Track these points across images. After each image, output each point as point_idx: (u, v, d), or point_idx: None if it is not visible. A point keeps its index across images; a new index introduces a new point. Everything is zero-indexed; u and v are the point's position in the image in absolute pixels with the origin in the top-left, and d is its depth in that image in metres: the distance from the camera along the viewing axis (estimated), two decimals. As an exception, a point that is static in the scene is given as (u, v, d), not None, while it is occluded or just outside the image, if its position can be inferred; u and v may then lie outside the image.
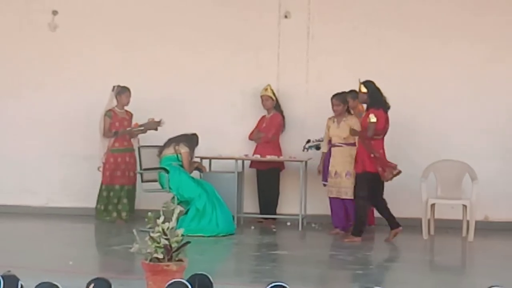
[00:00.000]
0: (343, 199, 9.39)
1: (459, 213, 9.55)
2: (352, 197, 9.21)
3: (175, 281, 4.50)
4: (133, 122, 10.16)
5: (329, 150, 9.59)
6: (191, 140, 9.74)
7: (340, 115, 9.46)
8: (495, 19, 10.09)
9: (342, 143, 9.39)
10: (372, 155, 8.76)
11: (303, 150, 9.75)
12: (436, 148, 9.97)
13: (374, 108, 8.80)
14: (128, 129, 10.04)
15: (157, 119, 10.03)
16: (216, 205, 9.40)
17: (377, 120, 8.75)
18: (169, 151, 9.63)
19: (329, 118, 9.54)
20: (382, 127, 8.86)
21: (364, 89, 8.85)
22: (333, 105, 9.46)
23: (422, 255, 8.75)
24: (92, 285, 4.49)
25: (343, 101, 9.45)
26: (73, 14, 10.75)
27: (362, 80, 8.89)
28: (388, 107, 8.92)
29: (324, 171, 9.68)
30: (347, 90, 9.75)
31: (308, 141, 9.75)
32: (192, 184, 9.47)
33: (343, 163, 9.33)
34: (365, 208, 8.92)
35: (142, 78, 10.43)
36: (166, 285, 4.48)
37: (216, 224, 9.30)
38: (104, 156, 10.08)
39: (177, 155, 9.61)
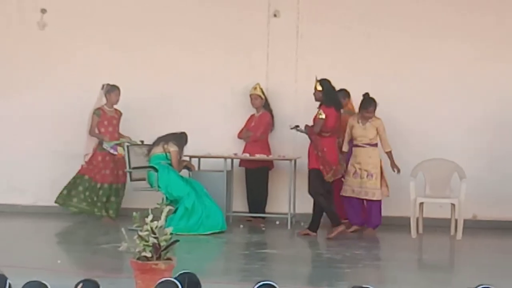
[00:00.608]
0: (362, 199, 9.47)
1: (448, 212, 9.58)
2: (374, 198, 9.39)
3: (164, 280, 4.49)
4: (122, 125, 10.15)
5: (350, 150, 9.62)
6: (180, 138, 9.73)
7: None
8: (488, 18, 10.13)
9: (366, 144, 9.45)
10: (317, 152, 8.91)
11: (290, 128, 9.61)
12: (425, 147, 9.98)
13: (325, 106, 8.97)
14: (113, 152, 9.95)
15: (140, 140, 10.05)
16: (205, 203, 9.40)
17: (327, 117, 8.89)
18: (158, 150, 9.62)
19: (352, 118, 9.57)
20: (332, 125, 9.01)
21: (319, 87, 9.05)
22: (368, 113, 9.42)
23: (411, 253, 8.77)
24: (81, 285, 4.46)
25: (375, 106, 9.45)
26: (65, 13, 10.71)
27: (318, 78, 9.06)
28: (341, 107, 9.11)
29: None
30: (336, 89, 9.78)
31: (297, 126, 9.62)
32: (181, 183, 9.46)
33: (366, 164, 9.41)
34: (327, 202, 9.02)
35: (133, 77, 10.41)
36: (156, 284, 4.47)
37: (206, 223, 9.30)
38: (87, 155, 10.03)
39: (166, 154, 9.60)
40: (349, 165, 9.48)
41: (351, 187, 9.49)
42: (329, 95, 9.04)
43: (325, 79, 9.09)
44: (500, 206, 9.76)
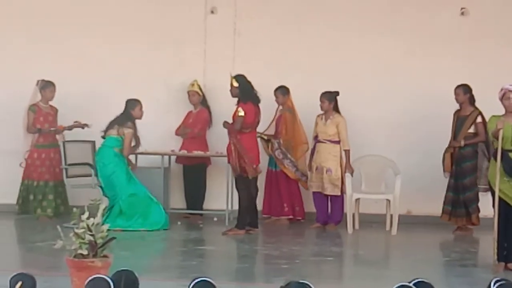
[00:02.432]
0: (326, 195, 9.62)
1: (383, 208, 9.71)
2: (333, 193, 9.55)
3: (95, 277, 4.43)
4: (58, 121, 10.03)
5: (314, 146, 9.75)
6: (132, 117, 9.44)
7: (328, 113, 9.65)
8: (411, 14, 10.30)
9: (327, 140, 9.61)
10: (236, 148, 8.93)
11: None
12: (359, 143, 10.06)
13: (243, 102, 9.00)
14: (52, 129, 9.89)
15: (83, 122, 9.90)
16: (147, 202, 9.30)
17: (246, 114, 8.94)
18: (113, 132, 9.43)
19: (318, 116, 9.74)
20: (252, 121, 9.05)
21: (235, 83, 9.03)
22: (320, 102, 9.61)
23: (347, 249, 8.87)
24: (20, 283, 4.39)
25: (329, 99, 9.62)
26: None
27: (233, 75, 9.07)
28: (258, 101, 9.12)
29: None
30: (275, 86, 9.84)
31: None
32: (125, 178, 9.32)
33: (325, 160, 9.56)
34: (248, 200, 9.06)
35: (65, 71, 10.28)
36: (87, 281, 4.41)
37: (147, 221, 9.22)
38: (27, 152, 9.93)
39: (121, 137, 9.44)
40: (312, 161, 9.63)
41: (316, 183, 9.66)
42: (246, 91, 9.02)
43: (240, 75, 9.08)
44: (433, 201, 9.92)
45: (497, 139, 7.15)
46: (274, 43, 10.39)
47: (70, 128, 9.96)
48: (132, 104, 9.51)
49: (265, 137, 9.87)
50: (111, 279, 4.49)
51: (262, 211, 10.03)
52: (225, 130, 9.46)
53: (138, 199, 9.30)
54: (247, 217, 9.11)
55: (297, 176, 9.93)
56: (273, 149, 9.88)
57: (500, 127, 7.10)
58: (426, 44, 10.27)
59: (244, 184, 9.02)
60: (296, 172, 9.90)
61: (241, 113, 8.94)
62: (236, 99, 9.10)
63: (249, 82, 9.05)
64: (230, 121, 9.08)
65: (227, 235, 9.08)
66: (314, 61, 10.30)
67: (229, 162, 9.11)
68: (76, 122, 9.96)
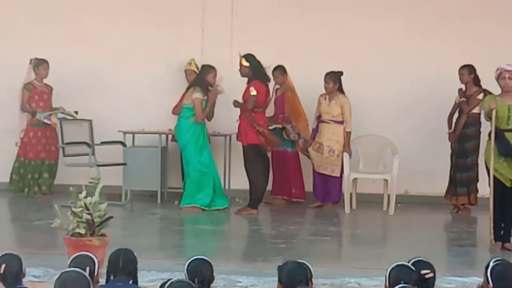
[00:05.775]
0: (324, 174, 9.58)
1: (380, 187, 9.70)
2: (333, 174, 9.50)
3: (79, 255, 4.41)
4: (55, 100, 9.98)
5: (317, 126, 9.70)
6: (204, 83, 9.16)
7: (332, 93, 9.58)
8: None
9: (331, 120, 9.57)
10: (255, 127, 8.94)
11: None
12: (358, 124, 10.03)
13: (256, 82, 8.97)
14: (46, 121, 9.81)
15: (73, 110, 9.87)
16: (215, 180, 9.28)
17: (258, 93, 8.91)
18: (186, 102, 9.25)
19: (321, 95, 9.67)
20: (263, 100, 9.07)
21: (246, 63, 9.02)
22: (324, 82, 9.55)
23: (345, 229, 8.88)
24: (4, 265, 4.35)
25: (334, 80, 9.54)
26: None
27: (242, 54, 9.04)
28: (268, 80, 9.12)
29: None
30: (274, 65, 9.77)
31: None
32: (194, 150, 9.20)
33: (328, 140, 9.53)
34: (259, 179, 9.05)
35: (63, 51, 10.21)
36: (70, 259, 4.37)
37: (211, 199, 9.20)
38: (23, 131, 9.90)
39: (193, 105, 9.21)
40: (314, 140, 9.61)
41: (316, 161, 9.61)
42: (257, 70, 9.00)
43: (250, 54, 9.06)
44: (431, 181, 9.92)
45: (491, 119, 7.13)
46: (272, 24, 10.32)
47: (62, 116, 9.89)
48: (206, 70, 9.35)
49: (280, 126, 9.81)
50: (113, 258, 4.48)
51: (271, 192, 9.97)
52: (222, 109, 9.46)
53: (204, 175, 9.18)
54: (259, 196, 9.08)
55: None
56: (289, 133, 9.82)
57: (492, 107, 7.08)
58: (427, 25, 10.19)
59: (260, 157, 8.97)
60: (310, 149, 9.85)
61: (254, 92, 8.91)
62: (245, 79, 9.07)
63: (258, 61, 9.02)
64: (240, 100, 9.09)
65: (240, 215, 9.04)
66: (314, 42, 10.22)
67: (240, 141, 9.08)
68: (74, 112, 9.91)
